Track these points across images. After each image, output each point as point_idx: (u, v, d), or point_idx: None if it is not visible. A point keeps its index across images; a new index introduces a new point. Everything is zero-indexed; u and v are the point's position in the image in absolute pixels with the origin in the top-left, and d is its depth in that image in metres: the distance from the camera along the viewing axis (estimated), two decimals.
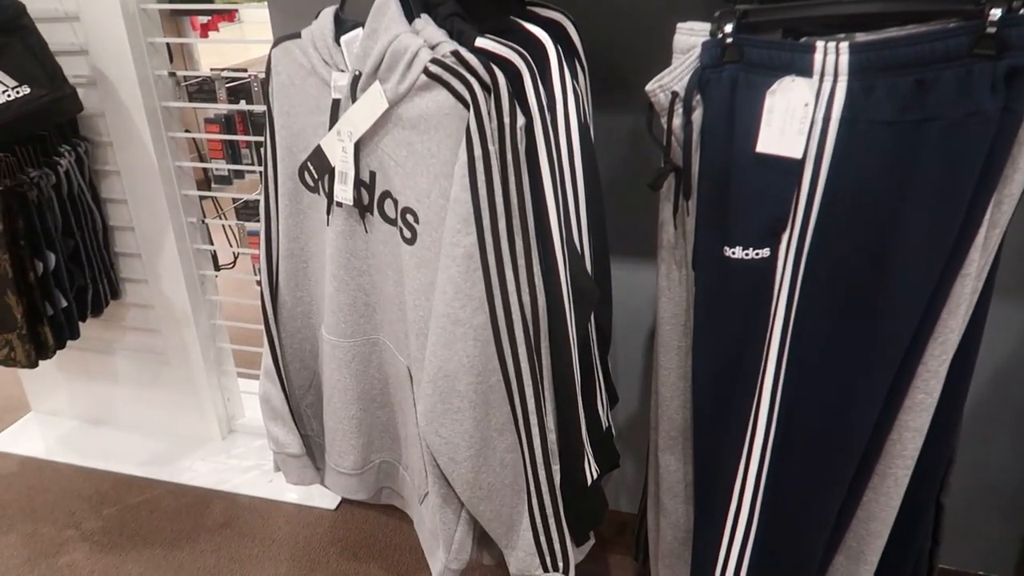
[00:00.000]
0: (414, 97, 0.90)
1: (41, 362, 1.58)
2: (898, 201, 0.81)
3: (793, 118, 0.83)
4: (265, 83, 1.08)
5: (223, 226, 2.00)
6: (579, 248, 1.00)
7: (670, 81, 0.90)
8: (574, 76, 0.99)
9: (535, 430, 1.00)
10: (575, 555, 1.13)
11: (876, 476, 0.96)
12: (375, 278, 1.08)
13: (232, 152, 1.85)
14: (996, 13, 0.72)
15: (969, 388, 0.94)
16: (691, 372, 1.04)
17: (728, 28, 0.85)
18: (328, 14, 0.99)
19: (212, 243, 1.82)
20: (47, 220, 1.50)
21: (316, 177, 1.06)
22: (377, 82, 0.92)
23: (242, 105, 1.79)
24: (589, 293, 1.01)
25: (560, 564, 1.09)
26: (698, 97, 0.89)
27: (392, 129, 0.94)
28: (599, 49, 1.13)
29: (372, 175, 1.00)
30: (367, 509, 1.73)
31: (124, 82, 1.55)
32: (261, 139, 1.11)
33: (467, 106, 0.86)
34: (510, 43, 0.89)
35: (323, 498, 1.76)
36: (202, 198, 1.78)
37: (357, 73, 0.94)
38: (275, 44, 1.05)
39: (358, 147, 0.98)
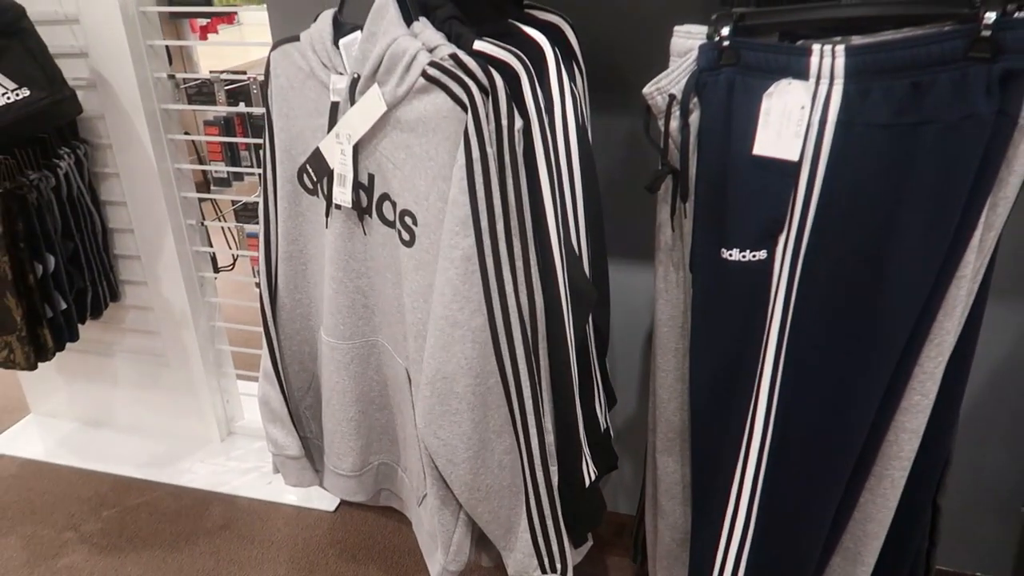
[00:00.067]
0: (412, 100, 0.91)
1: (40, 364, 1.59)
2: (894, 203, 0.81)
3: (789, 121, 0.83)
4: (264, 86, 1.09)
5: (222, 228, 2.01)
6: (577, 250, 1.00)
7: (667, 84, 0.90)
8: (572, 79, 0.99)
9: (533, 432, 1.01)
10: (573, 556, 1.13)
11: (873, 477, 0.96)
12: (374, 280, 1.09)
13: (231, 154, 1.86)
14: (991, 16, 0.72)
15: (965, 389, 0.95)
16: (688, 374, 1.05)
17: (725, 31, 0.85)
18: (327, 17, 0.99)
19: (211, 245, 1.82)
20: (47, 222, 1.50)
21: (315, 179, 1.07)
22: (375, 85, 0.93)
23: (241, 107, 1.80)
24: (587, 295, 1.01)
25: (558, 566, 1.10)
26: (695, 100, 0.89)
27: (390, 132, 0.95)
28: (597, 52, 1.14)
29: (371, 177, 1.00)
30: (366, 511, 1.73)
31: (123, 84, 1.55)
32: (260, 141, 1.11)
33: (465, 109, 0.86)
34: (508, 46, 0.90)
35: (322, 500, 1.76)
36: (201, 200, 1.79)
37: (356, 76, 0.95)
38: (274, 47, 1.05)
39: (356, 150, 0.99)
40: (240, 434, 2.03)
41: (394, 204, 0.99)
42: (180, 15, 2.83)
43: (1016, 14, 0.72)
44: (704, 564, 1.06)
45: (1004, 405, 1.31)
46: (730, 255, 0.92)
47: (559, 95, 0.94)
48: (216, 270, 1.88)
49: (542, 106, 0.91)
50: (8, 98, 1.37)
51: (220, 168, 1.86)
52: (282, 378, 1.23)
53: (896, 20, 0.81)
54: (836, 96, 0.81)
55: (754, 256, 0.91)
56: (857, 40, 0.82)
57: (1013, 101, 0.74)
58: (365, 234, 1.05)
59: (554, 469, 1.05)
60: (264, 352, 1.22)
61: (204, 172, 1.89)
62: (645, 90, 0.92)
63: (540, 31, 0.94)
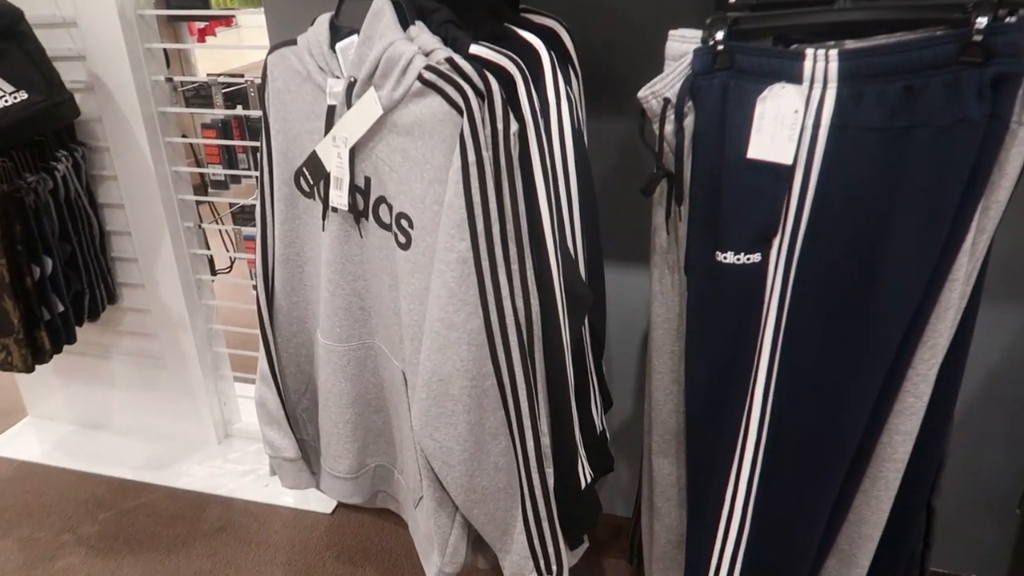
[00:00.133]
0: (408, 103, 0.91)
1: (38, 366, 1.59)
2: (887, 207, 0.81)
3: (783, 124, 0.84)
4: (261, 89, 1.09)
5: (220, 231, 2.01)
6: (573, 253, 1.00)
7: (662, 88, 0.91)
8: (568, 82, 1.00)
9: (529, 434, 1.01)
10: (569, 558, 1.13)
11: (867, 479, 0.96)
12: (370, 283, 1.09)
13: (229, 157, 1.86)
14: (982, 21, 0.73)
15: (959, 392, 0.95)
16: (684, 376, 1.05)
17: (719, 35, 0.85)
18: (324, 21, 1.00)
19: (209, 248, 1.83)
20: (44, 225, 1.50)
21: (312, 182, 1.07)
22: (372, 88, 0.93)
23: (239, 111, 1.80)
24: (583, 297, 1.01)
25: (554, 567, 1.10)
26: (690, 103, 0.89)
27: (387, 135, 0.95)
28: (593, 56, 1.14)
29: (367, 180, 1.00)
30: (363, 513, 1.73)
31: (121, 87, 1.56)
32: (258, 144, 1.12)
33: (461, 112, 0.87)
34: (504, 50, 0.90)
35: (319, 502, 1.76)
36: (199, 203, 1.79)
37: (352, 79, 0.95)
38: (271, 51, 1.06)
39: (353, 153, 0.99)
40: (237, 436, 2.03)
41: (390, 207, 0.99)
42: (178, 18, 2.84)
43: (1007, 19, 0.73)
44: (699, 566, 1.07)
45: (999, 407, 1.32)
46: (724, 258, 0.92)
47: (555, 99, 0.94)
48: (213, 273, 1.88)
49: (538, 110, 0.92)
50: (6, 101, 1.37)
51: (217, 171, 1.86)
52: (279, 380, 1.23)
53: (889, 24, 0.81)
54: (829, 100, 0.82)
55: (748, 259, 0.91)
56: (850, 44, 0.83)
57: (1004, 105, 0.75)
58: (361, 237, 1.06)
59: (550, 471, 1.06)
60: (261, 354, 1.22)
61: (201, 175, 1.89)
62: (640, 94, 0.92)
63: (536, 35, 0.95)
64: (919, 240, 0.81)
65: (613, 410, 1.54)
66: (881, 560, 1.02)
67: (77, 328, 1.66)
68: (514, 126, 0.90)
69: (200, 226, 1.79)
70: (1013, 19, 0.73)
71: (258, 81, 1.11)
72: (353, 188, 1.01)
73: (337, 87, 0.97)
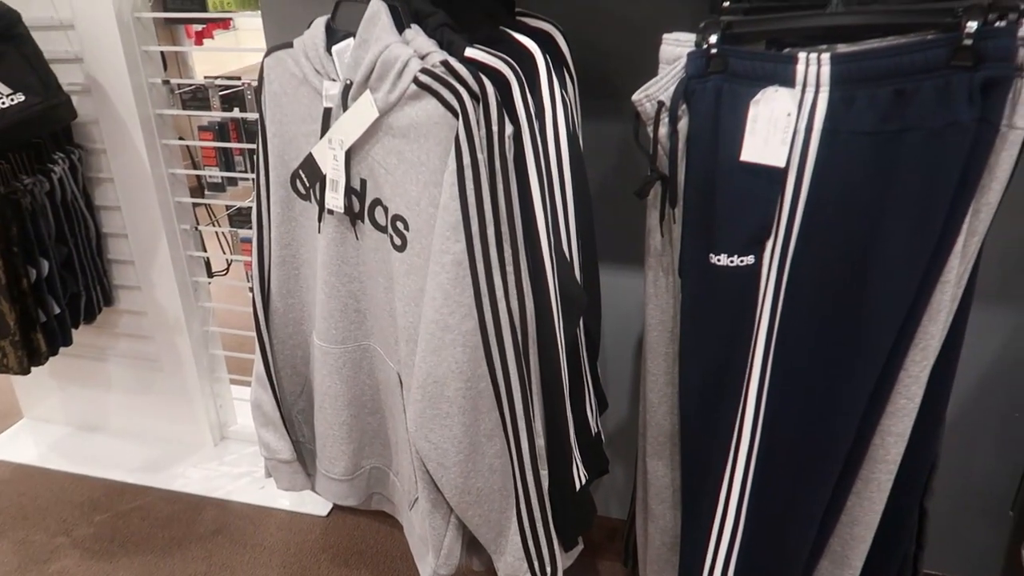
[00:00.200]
0: (404, 106, 0.91)
1: (33, 368, 1.59)
2: (878, 210, 0.82)
3: (776, 128, 0.84)
4: (257, 92, 1.09)
5: (216, 233, 2.01)
6: (568, 255, 1.01)
7: (656, 91, 0.91)
8: (563, 85, 1.00)
9: (523, 435, 1.01)
10: (563, 560, 1.14)
11: (859, 481, 0.97)
12: (366, 284, 1.09)
13: (225, 159, 1.87)
14: (972, 26, 0.73)
15: (951, 393, 0.96)
16: (678, 378, 1.05)
17: (713, 39, 0.86)
18: (320, 24, 1.00)
19: (205, 250, 1.83)
20: (40, 227, 1.50)
21: (308, 185, 1.07)
22: (368, 91, 0.94)
23: (235, 113, 1.80)
24: (577, 299, 1.02)
25: (548, 569, 1.10)
26: (684, 106, 0.90)
27: (382, 138, 0.95)
28: (588, 59, 1.15)
29: (363, 183, 1.01)
30: (358, 516, 1.73)
31: (118, 90, 1.56)
32: (254, 147, 1.12)
33: (456, 115, 0.87)
34: (499, 53, 0.91)
35: (315, 505, 1.76)
36: (195, 205, 1.79)
37: (348, 82, 0.95)
38: (267, 54, 1.06)
39: (349, 155, 0.99)
40: (233, 439, 2.03)
41: (386, 209, 0.99)
42: (175, 21, 2.84)
43: (997, 24, 0.74)
44: (694, 567, 1.07)
45: (992, 409, 1.32)
46: (718, 260, 0.92)
47: (550, 101, 0.95)
48: (210, 275, 1.88)
49: (532, 112, 0.92)
50: (3, 103, 1.37)
51: (214, 173, 1.86)
52: (275, 382, 1.23)
53: (881, 29, 0.82)
54: (822, 103, 0.82)
55: (742, 261, 0.92)
56: (842, 48, 0.83)
57: (994, 108, 0.75)
58: (357, 239, 1.06)
59: (544, 473, 1.06)
60: (257, 356, 1.22)
61: (198, 177, 1.90)
62: (634, 97, 0.93)
63: (531, 38, 0.96)
64: (910, 243, 0.82)
65: (608, 412, 1.54)
66: (874, 561, 1.03)
67: (73, 330, 1.66)
68: (509, 128, 0.90)
69: (197, 228, 1.79)
70: (1003, 23, 0.74)
71: (255, 84, 1.11)
72: (349, 190, 1.01)
73: (333, 90, 0.98)
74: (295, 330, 1.21)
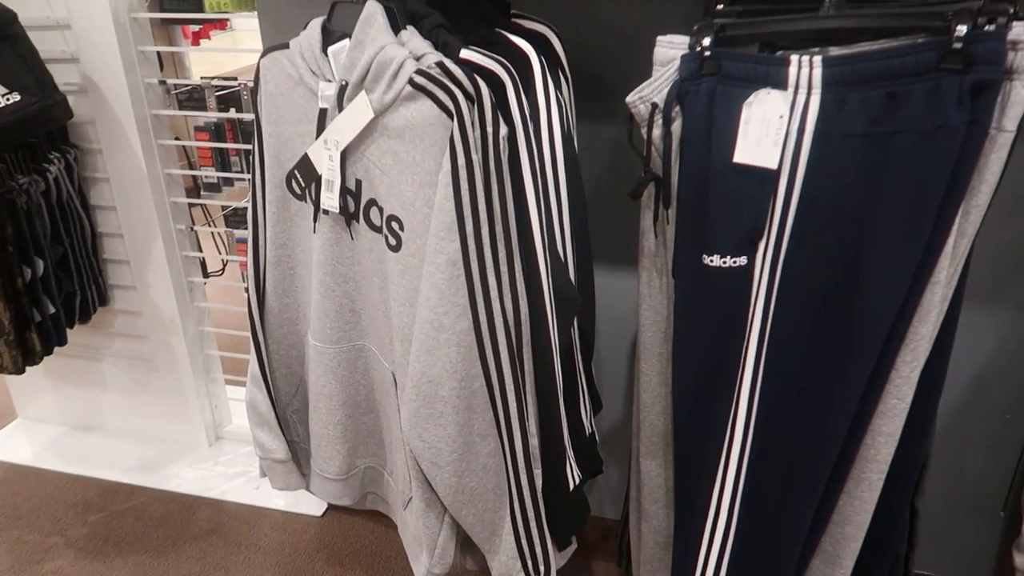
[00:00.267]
0: (399, 107, 0.92)
1: (28, 368, 1.59)
2: (870, 211, 0.83)
3: (769, 130, 0.85)
4: (253, 92, 1.10)
5: (212, 233, 2.01)
6: (562, 256, 1.01)
7: (650, 93, 0.92)
8: (558, 87, 1.01)
9: (517, 435, 1.02)
10: (557, 560, 1.14)
11: (851, 480, 0.97)
12: (361, 284, 1.10)
13: (221, 160, 1.87)
14: (962, 29, 0.74)
15: (942, 393, 0.96)
16: (671, 378, 1.06)
17: (706, 41, 0.87)
18: (316, 25, 1.01)
19: (201, 250, 1.83)
20: (36, 226, 1.50)
21: (303, 185, 1.08)
22: (363, 92, 0.94)
23: (232, 113, 1.80)
24: (572, 300, 1.02)
25: (542, 568, 1.10)
26: (677, 108, 0.91)
27: (378, 138, 0.96)
28: (582, 61, 1.15)
29: (358, 183, 1.01)
30: (353, 516, 1.73)
31: (114, 90, 1.56)
32: (250, 147, 1.12)
33: (451, 116, 0.88)
34: (494, 55, 0.91)
35: (309, 505, 1.76)
36: (191, 205, 1.79)
37: (344, 83, 0.96)
38: (263, 54, 1.06)
39: (344, 156, 1.00)
40: (228, 439, 2.03)
41: (381, 209, 1.00)
42: (171, 21, 2.84)
43: (986, 27, 0.74)
44: (687, 567, 1.07)
45: (984, 409, 1.33)
46: (711, 261, 0.93)
47: (544, 103, 0.95)
48: (205, 275, 1.88)
49: (527, 113, 0.93)
50: None
51: (210, 173, 1.86)
52: (270, 382, 1.23)
53: (872, 32, 0.83)
54: (814, 105, 0.83)
55: (735, 262, 0.92)
56: (835, 51, 0.84)
57: (984, 111, 0.76)
58: (352, 239, 1.06)
59: (538, 472, 1.06)
60: (252, 356, 1.23)
61: (194, 177, 1.90)
62: (628, 99, 0.93)
63: (526, 40, 0.96)
64: (901, 244, 0.82)
65: (602, 412, 1.54)
66: (865, 560, 1.03)
67: (68, 330, 1.66)
68: (504, 130, 0.91)
69: (192, 228, 1.79)
70: (992, 27, 0.74)
71: (251, 84, 1.12)
72: (344, 191, 1.02)
73: (329, 90, 0.98)
74: (290, 330, 1.22)
